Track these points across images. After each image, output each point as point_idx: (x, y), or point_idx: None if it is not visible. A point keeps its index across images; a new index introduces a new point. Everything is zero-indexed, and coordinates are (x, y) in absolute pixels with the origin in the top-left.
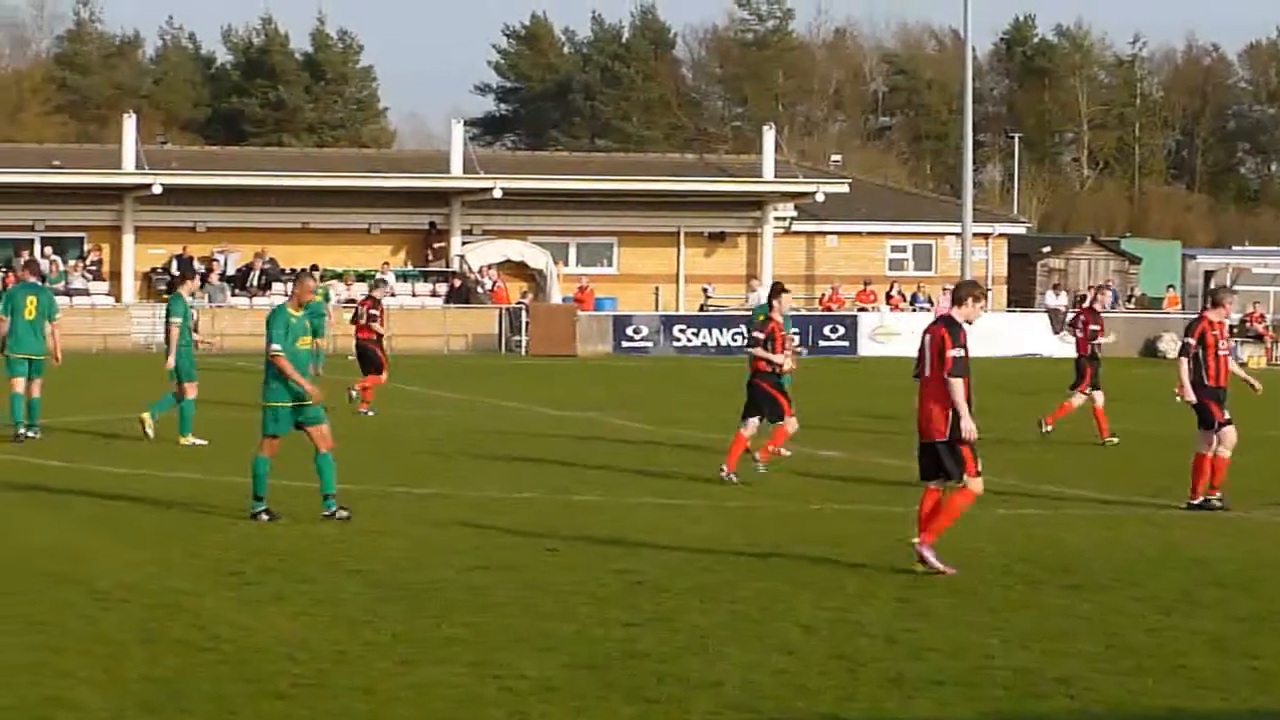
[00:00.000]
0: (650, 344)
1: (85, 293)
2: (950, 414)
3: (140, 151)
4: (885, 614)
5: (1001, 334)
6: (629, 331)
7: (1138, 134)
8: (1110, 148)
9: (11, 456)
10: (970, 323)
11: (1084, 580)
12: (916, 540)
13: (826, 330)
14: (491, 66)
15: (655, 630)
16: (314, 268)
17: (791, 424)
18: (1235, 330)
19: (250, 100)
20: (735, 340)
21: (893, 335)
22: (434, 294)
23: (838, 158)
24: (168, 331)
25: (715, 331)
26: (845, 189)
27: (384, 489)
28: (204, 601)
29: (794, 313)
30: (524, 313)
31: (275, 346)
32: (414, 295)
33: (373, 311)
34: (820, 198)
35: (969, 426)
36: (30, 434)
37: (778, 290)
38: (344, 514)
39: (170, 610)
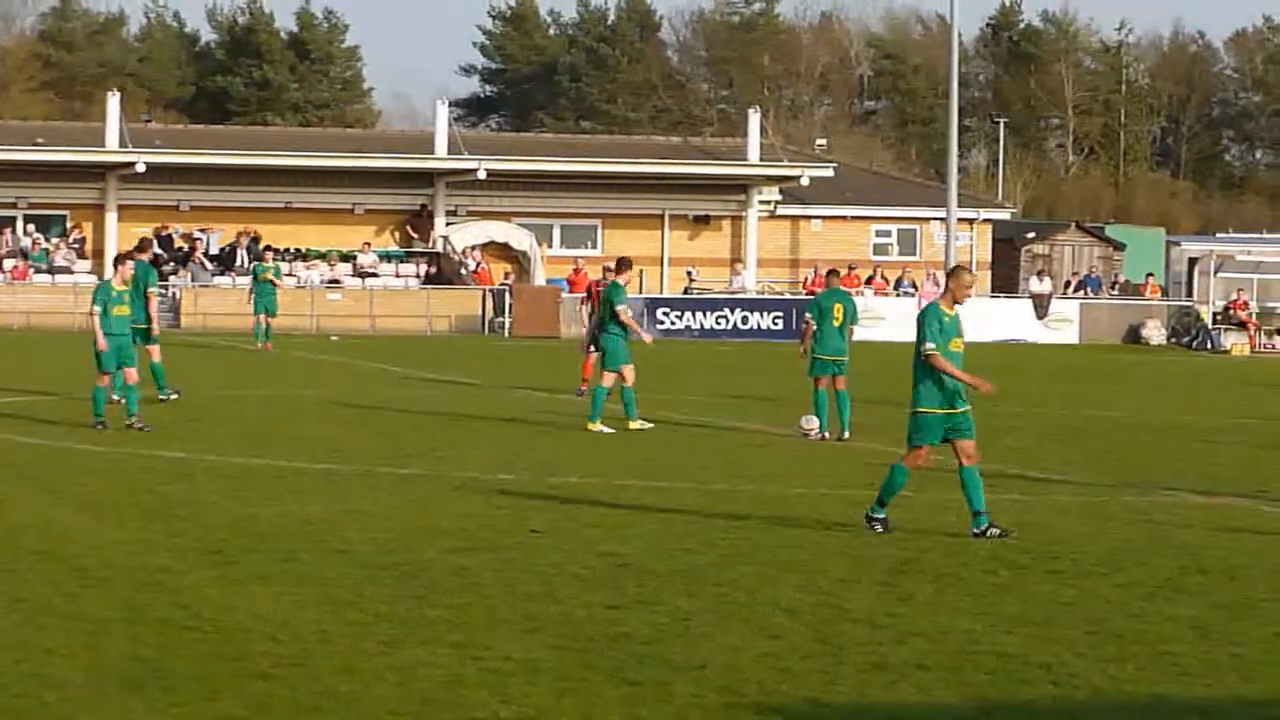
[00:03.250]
0: None
1: (68, 271)
2: None
3: (124, 129)
4: (869, 599)
5: (985, 319)
6: None
7: (1123, 120)
8: (1095, 134)
9: None
10: None
11: (1068, 566)
12: None
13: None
14: (477, 48)
15: (639, 612)
16: (267, 247)
17: None
18: (1219, 317)
19: (235, 79)
20: (719, 324)
21: (877, 320)
22: (418, 275)
23: (823, 142)
24: (616, 316)
25: (699, 314)
26: (830, 173)
27: (369, 469)
28: (186, 580)
29: (778, 297)
30: (507, 294)
31: (929, 345)
32: (397, 276)
33: None
34: (805, 181)
35: None
36: (163, 395)
37: None
38: (995, 532)
39: (153, 589)
